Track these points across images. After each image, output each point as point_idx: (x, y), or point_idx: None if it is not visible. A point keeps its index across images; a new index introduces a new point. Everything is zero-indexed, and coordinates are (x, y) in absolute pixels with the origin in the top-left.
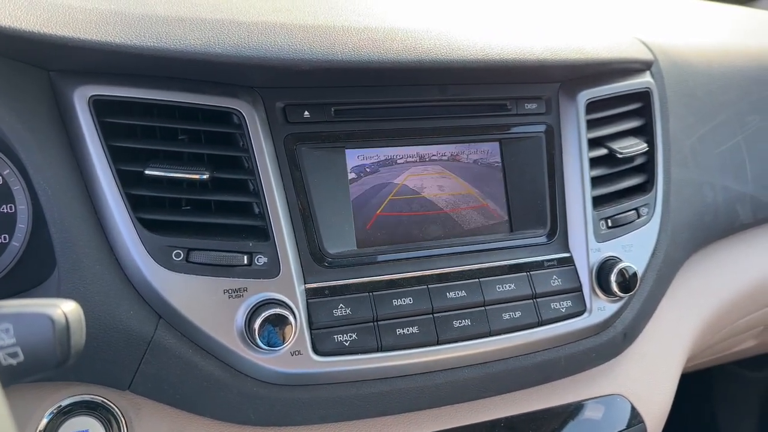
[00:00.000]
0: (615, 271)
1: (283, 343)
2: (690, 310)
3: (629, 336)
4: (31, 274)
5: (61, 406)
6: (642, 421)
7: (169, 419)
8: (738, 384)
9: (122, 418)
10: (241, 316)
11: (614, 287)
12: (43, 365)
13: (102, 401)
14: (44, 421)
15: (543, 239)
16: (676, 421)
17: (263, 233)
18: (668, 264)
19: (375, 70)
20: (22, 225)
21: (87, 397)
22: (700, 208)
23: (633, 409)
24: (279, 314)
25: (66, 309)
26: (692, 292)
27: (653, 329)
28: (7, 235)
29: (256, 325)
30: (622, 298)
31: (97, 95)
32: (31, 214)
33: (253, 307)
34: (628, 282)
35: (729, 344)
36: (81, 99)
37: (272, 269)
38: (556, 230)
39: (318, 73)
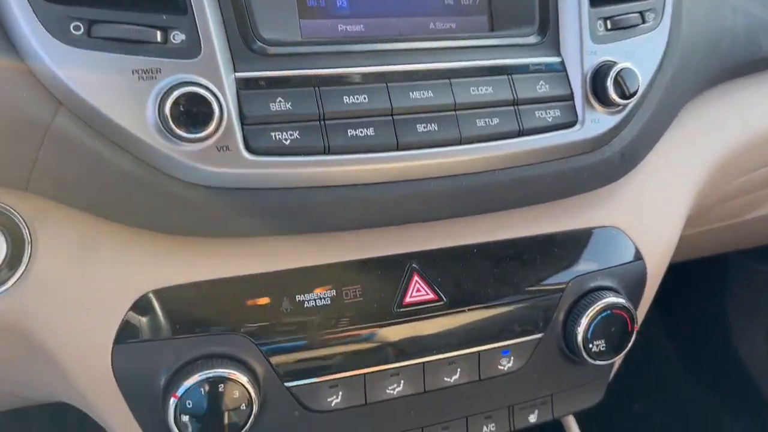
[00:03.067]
0: (612, 73)
1: (203, 130)
2: (698, 146)
3: (628, 158)
4: None
5: None
6: (641, 258)
7: (79, 227)
8: (746, 276)
9: (25, 227)
10: (152, 101)
11: (611, 92)
12: None
13: (1, 207)
14: None
15: (530, 39)
16: (681, 314)
17: (181, 5)
18: (676, 87)
19: None
20: None
21: None
22: (717, 31)
23: (630, 243)
24: (195, 93)
25: None
26: (702, 127)
27: (656, 161)
28: None
29: (168, 103)
30: (619, 107)
31: None
32: None
33: (167, 90)
34: (627, 86)
35: (743, 204)
36: None
37: (192, 49)
38: (546, 29)
39: None
